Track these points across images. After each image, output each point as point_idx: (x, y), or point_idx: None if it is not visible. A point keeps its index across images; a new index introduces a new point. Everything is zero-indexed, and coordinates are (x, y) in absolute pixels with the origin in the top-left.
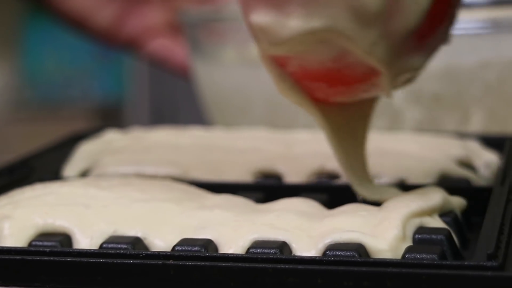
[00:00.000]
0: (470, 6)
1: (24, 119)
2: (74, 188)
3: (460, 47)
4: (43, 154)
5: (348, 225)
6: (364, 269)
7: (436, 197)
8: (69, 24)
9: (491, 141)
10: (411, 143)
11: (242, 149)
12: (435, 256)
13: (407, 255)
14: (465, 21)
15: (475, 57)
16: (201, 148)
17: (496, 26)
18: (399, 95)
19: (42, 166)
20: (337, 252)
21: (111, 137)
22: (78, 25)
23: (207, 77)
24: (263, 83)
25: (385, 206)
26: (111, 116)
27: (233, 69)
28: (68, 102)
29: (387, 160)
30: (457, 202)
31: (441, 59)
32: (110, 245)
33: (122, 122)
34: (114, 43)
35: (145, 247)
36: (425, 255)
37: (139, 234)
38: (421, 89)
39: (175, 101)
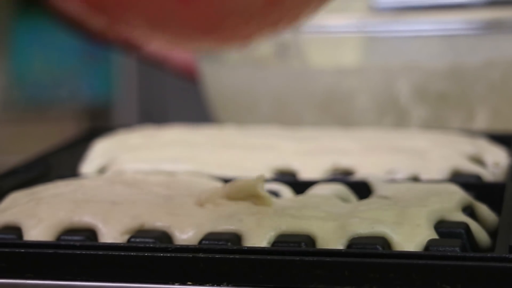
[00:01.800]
0: (474, 6)
1: (12, 120)
2: (99, 184)
3: (465, 47)
4: (57, 152)
5: (372, 218)
6: (390, 261)
7: (456, 194)
8: (67, 24)
9: (497, 139)
10: (421, 140)
11: (256, 146)
12: (457, 249)
13: (429, 248)
14: (470, 21)
15: (479, 56)
16: (217, 146)
17: (500, 26)
18: (406, 94)
19: (58, 163)
20: (362, 245)
21: (125, 135)
22: (77, 25)
23: (213, 77)
24: (270, 82)
25: (407, 201)
26: (100, 117)
27: (240, 69)
28: (56, 102)
29: (400, 157)
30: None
31: (447, 59)
32: (138, 240)
33: (111, 122)
34: (114, 43)
35: (172, 242)
36: (447, 248)
37: (165, 228)
38: (427, 88)
39: (164, 101)
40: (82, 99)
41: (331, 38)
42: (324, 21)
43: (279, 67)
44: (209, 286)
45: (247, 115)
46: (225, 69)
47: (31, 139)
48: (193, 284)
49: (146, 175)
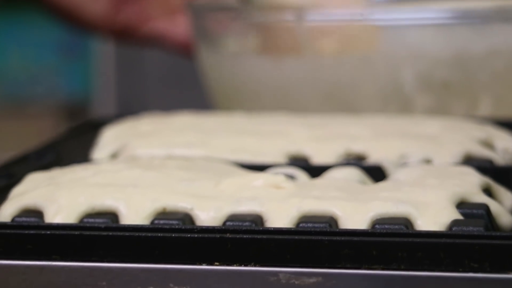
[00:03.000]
0: None
1: None
2: (118, 168)
3: (469, 35)
4: (64, 140)
5: (394, 199)
6: (418, 240)
7: (474, 176)
8: (60, 15)
9: (503, 124)
10: (430, 126)
11: (268, 132)
12: (481, 229)
13: (454, 228)
14: (474, 10)
15: (484, 45)
16: (229, 131)
17: (504, 15)
18: (410, 82)
19: (69, 150)
20: (386, 226)
21: (135, 122)
22: (71, 15)
23: (214, 67)
24: (273, 71)
25: (425, 183)
26: (78, 113)
27: (242, 58)
28: (33, 99)
29: (411, 142)
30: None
31: (451, 47)
32: (161, 222)
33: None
34: (109, 31)
35: (195, 224)
36: (471, 228)
37: (188, 211)
38: (431, 76)
39: (143, 97)
40: (60, 96)
41: (336, 27)
42: (329, 9)
43: (283, 56)
44: (237, 266)
45: (250, 104)
46: (227, 58)
47: (9, 137)
48: (221, 264)
49: (163, 160)
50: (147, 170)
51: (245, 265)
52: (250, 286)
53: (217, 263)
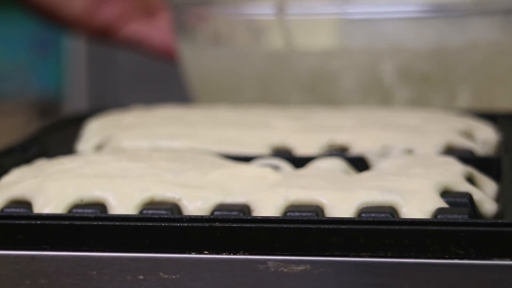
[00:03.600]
0: None
1: None
2: (106, 160)
3: (448, 29)
4: (49, 132)
5: (379, 188)
6: (405, 227)
7: (456, 166)
8: (39, 13)
9: (481, 116)
10: (412, 117)
11: (251, 124)
12: (465, 216)
13: (439, 216)
14: (453, 3)
15: (462, 38)
16: (214, 123)
17: (483, 8)
18: (390, 75)
19: (53, 143)
20: (372, 214)
21: (119, 115)
22: (49, 13)
23: (194, 59)
24: (255, 64)
25: (409, 173)
26: (50, 110)
27: (223, 51)
28: (5, 96)
29: (393, 133)
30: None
31: (430, 40)
32: (150, 212)
33: (61, 116)
34: (87, 31)
35: (183, 214)
36: (456, 216)
37: (176, 201)
38: (410, 69)
39: (116, 94)
40: (32, 93)
41: (316, 20)
42: (308, 2)
43: (264, 49)
44: (226, 255)
45: (230, 97)
46: (207, 51)
47: None
48: (210, 253)
49: (150, 151)
50: (135, 161)
51: (234, 254)
52: (240, 274)
53: (207, 252)
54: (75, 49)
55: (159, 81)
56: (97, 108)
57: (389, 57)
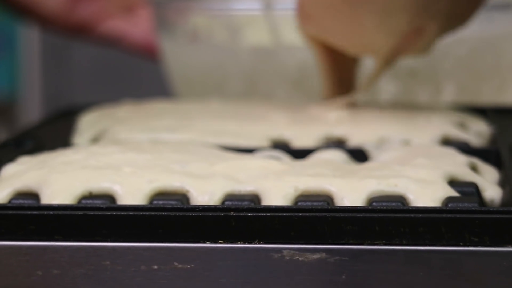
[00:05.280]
0: None
1: None
2: (110, 151)
3: None
4: (42, 127)
5: (388, 177)
6: (420, 215)
7: (458, 156)
8: (16, 11)
9: (471, 110)
10: (407, 110)
11: (248, 117)
12: (476, 204)
13: (449, 204)
14: None
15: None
16: (209, 116)
17: None
18: None
19: (47, 137)
20: (383, 203)
21: (111, 109)
22: (26, 10)
23: (177, 55)
24: (241, 59)
25: (413, 163)
26: (3, 112)
27: (208, 46)
28: None
29: (389, 125)
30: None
31: None
32: (161, 202)
33: (15, 118)
34: (65, 28)
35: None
36: (467, 204)
37: (185, 192)
38: (398, 64)
39: (70, 95)
40: None
41: None
42: None
43: (250, 44)
44: (241, 244)
45: (215, 93)
46: (190, 47)
47: None
48: (225, 242)
49: (153, 144)
50: (140, 153)
51: (249, 243)
52: (254, 263)
53: (221, 241)
54: (29, 50)
55: (116, 79)
56: (80, 105)
57: None
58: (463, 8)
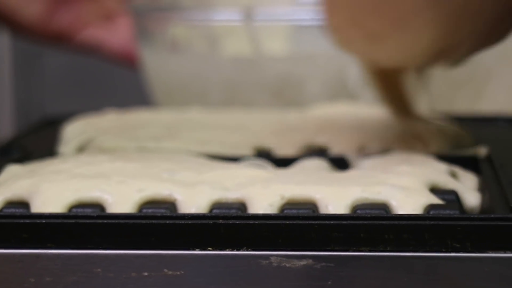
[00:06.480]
0: None
1: None
2: (100, 160)
3: None
4: (25, 137)
5: (373, 184)
6: (404, 222)
7: (438, 164)
8: None
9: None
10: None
11: (230, 126)
12: (457, 211)
13: (431, 211)
14: None
15: None
16: (192, 126)
17: None
18: (354, 80)
19: (32, 146)
20: (367, 210)
21: (95, 118)
22: (4, 18)
23: (157, 64)
24: (221, 69)
25: (394, 171)
26: None
27: (189, 56)
28: None
29: (369, 133)
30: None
31: None
32: (150, 210)
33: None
34: (43, 36)
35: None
36: (448, 211)
37: (173, 200)
38: None
39: (43, 104)
40: None
41: (283, 26)
42: (275, 9)
43: (230, 54)
44: (229, 251)
45: (195, 102)
46: (170, 56)
47: None
48: (214, 249)
49: (141, 153)
50: (128, 161)
51: (238, 250)
52: (243, 269)
53: (210, 248)
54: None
55: (91, 88)
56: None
57: (354, 62)
58: (495, 28)
